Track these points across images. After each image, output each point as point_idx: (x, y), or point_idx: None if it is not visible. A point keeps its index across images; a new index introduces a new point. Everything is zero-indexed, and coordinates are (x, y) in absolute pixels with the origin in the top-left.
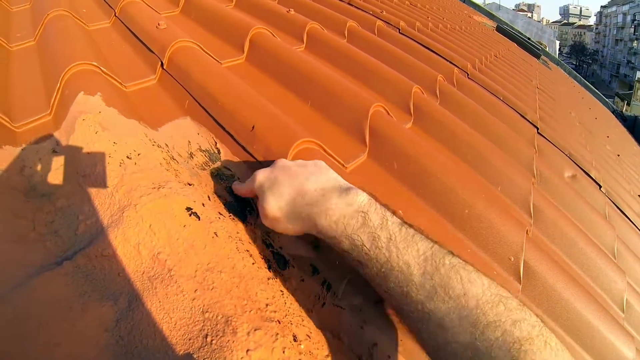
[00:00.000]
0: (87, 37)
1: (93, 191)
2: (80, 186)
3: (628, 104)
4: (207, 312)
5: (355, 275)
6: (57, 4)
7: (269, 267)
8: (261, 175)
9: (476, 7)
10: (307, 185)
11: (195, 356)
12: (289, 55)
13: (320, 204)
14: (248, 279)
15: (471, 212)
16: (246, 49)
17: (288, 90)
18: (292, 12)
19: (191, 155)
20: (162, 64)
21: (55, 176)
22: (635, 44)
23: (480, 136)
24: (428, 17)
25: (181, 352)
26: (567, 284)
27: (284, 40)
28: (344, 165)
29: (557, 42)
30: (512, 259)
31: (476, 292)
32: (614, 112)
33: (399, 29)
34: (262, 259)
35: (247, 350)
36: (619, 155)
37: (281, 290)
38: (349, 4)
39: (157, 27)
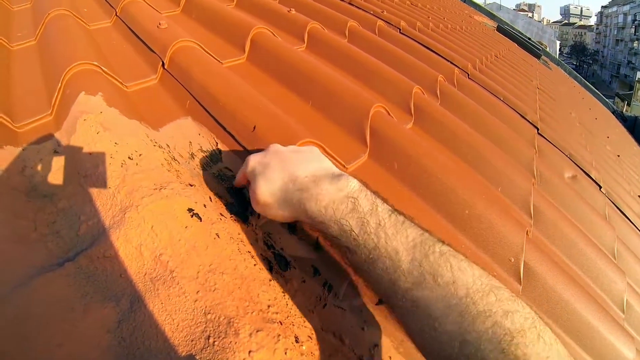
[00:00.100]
0: (88, 37)
1: (95, 192)
2: (82, 187)
3: (628, 105)
4: (209, 313)
5: (355, 277)
6: (58, 3)
7: (271, 269)
8: (253, 160)
9: (477, 7)
10: (298, 171)
11: (197, 357)
12: (290, 55)
13: (311, 189)
14: (250, 280)
15: (471, 212)
16: (247, 48)
17: (289, 90)
18: (293, 11)
19: (192, 155)
20: (163, 64)
21: (57, 177)
22: (635, 44)
23: (480, 136)
24: (429, 17)
25: (183, 354)
26: (567, 284)
27: (284, 40)
28: (344, 166)
29: (558, 42)
30: (512, 260)
31: (466, 280)
32: (614, 112)
33: (400, 29)
34: (264, 260)
35: (250, 352)
36: (619, 155)
37: (283, 292)
38: (349, 3)
39: (158, 26)
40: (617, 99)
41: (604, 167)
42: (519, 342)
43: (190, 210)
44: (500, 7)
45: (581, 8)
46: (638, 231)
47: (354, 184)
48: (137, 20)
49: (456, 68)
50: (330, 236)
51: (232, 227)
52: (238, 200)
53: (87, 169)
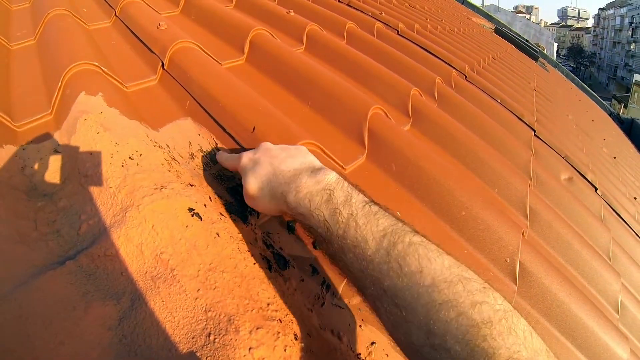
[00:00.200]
0: (87, 37)
1: (95, 191)
2: (82, 186)
3: (625, 107)
4: (209, 311)
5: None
6: (57, 3)
7: (270, 268)
8: (245, 157)
9: (474, 8)
10: (283, 166)
11: (198, 354)
12: (288, 56)
13: (291, 182)
14: (249, 278)
15: (468, 213)
16: (246, 50)
17: (288, 91)
18: (292, 13)
19: (192, 156)
20: (162, 65)
21: (57, 176)
22: (632, 46)
23: (477, 138)
24: (427, 19)
25: (184, 351)
26: (562, 285)
27: (283, 41)
28: (343, 167)
29: (555, 45)
30: (508, 261)
31: (433, 269)
32: (610, 114)
33: (398, 31)
34: (263, 259)
35: (250, 349)
36: (615, 158)
37: (282, 290)
38: (348, 5)
39: (157, 27)
40: (614, 101)
41: (600, 169)
42: (487, 334)
43: (190, 209)
44: (498, 9)
45: (579, 10)
46: (633, 233)
47: (331, 176)
48: (136, 21)
49: (454, 70)
50: (308, 227)
51: (232, 227)
52: (238, 200)
53: (88, 169)
